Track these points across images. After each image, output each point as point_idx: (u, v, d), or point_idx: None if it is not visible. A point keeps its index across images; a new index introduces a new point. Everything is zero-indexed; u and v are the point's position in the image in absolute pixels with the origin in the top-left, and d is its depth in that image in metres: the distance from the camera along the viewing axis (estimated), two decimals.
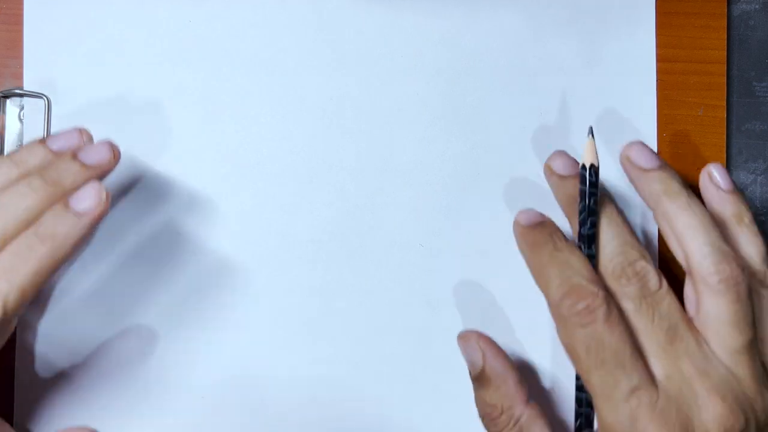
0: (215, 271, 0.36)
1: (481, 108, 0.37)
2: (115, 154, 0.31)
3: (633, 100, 0.37)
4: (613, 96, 0.37)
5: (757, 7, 0.38)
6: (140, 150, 0.36)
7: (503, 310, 0.37)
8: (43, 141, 0.31)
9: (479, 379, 0.32)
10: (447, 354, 0.36)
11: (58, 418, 0.35)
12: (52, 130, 0.36)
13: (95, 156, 0.30)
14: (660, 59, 0.37)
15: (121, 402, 0.35)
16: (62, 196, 0.29)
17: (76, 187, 0.29)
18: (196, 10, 0.37)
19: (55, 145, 0.31)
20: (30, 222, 0.28)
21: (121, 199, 0.36)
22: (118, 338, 0.36)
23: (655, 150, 0.37)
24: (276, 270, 0.36)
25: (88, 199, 0.28)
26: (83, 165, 0.30)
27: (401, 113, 0.37)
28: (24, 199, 0.28)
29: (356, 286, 0.36)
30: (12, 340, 0.35)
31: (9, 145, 0.36)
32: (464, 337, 0.33)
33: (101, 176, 0.30)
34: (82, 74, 0.36)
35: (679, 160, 0.37)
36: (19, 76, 0.36)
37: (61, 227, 0.28)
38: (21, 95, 0.36)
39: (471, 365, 0.32)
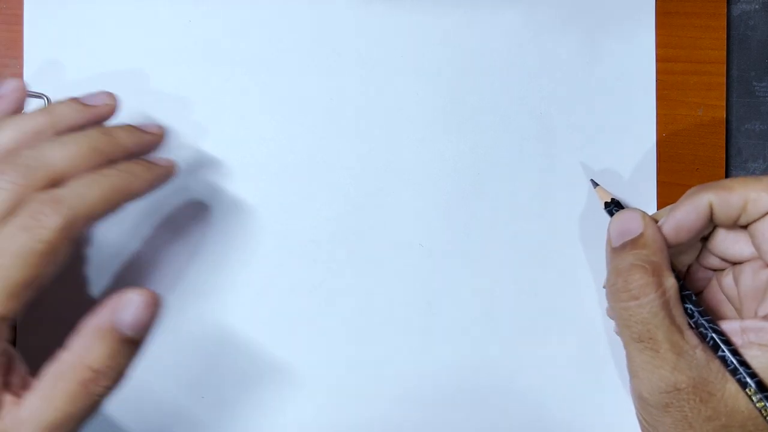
0: (215, 271, 0.36)
1: (481, 108, 0.37)
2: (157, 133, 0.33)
3: (633, 100, 0.37)
4: (613, 96, 0.37)
5: (757, 7, 0.38)
6: None
7: (503, 310, 0.37)
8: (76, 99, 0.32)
9: (634, 241, 0.30)
10: (447, 354, 0.36)
11: None
12: None
13: (148, 126, 0.32)
14: (660, 59, 0.37)
15: (121, 403, 0.35)
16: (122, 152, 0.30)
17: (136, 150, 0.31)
18: (196, 10, 0.37)
19: (84, 98, 0.32)
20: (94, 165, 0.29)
21: None
22: None
23: (654, 150, 0.37)
24: (276, 270, 0.36)
25: (165, 159, 0.31)
26: (136, 129, 0.31)
27: (401, 113, 0.37)
28: (88, 141, 0.29)
29: (356, 286, 0.36)
30: (12, 341, 0.35)
31: None
32: (623, 212, 0.32)
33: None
34: (82, 74, 0.36)
35: (679, 160, 0.37)
36: (19, 76, 0.36)
37: (137, 168, 0.29)
38: None
39: (624, 233, 0.31)
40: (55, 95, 0.36)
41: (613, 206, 0.34)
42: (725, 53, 0.38)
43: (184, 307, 0.36)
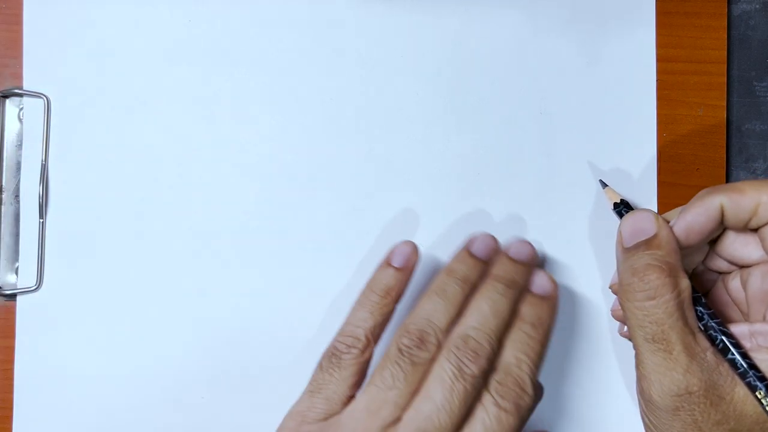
0: (215, 271, 0.36)
1: (481, 108, 0.37)
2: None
3: (633, 100, 0.37)
4: (613, 96, 0.37)
5: (757, 7, 0.38)
6: (140, 150, 0.36)
7: None
8: (468, 250, 0.33)
9: (648, 242, 0.30)
10: None
11: (59, 418, 0.35)
12: (52, 129, 0.36)
13: (522, 252, 0.33)
14: (660, 59, 0.37)
15: (122, 403, 0.35)
16: (520, 293, 0.32)
17: (526, 283, 0.32)
18: (196, 9, 0.37)
19: (475, 249, 0.33)
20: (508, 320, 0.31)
21: (121, 201, 0.36)
22: (119, 339, 0.36)
23: (655, 150, 0.37)
24: (276, 269, 0.36)
25: (546, 283, 0.32)
26: (516, 261, 0.33)
27: (401, 113, 0.37)
28: (503, 299, 0.31)
29: (356, 286, 0.36)
30: (11, 339, 0.35)
31: (8, 145, 0.36)
32: (635, 212, 0.32)
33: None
34: (82, 74, 0.36)
35: (679, 160, 0.37)
36: (19, 76, 0.36)
37: (543, 313, 0.31)
38: (21, 95, 0.36)
39: (637, 233, 0.31)
40: (55, 95, 0.36)
41: (623, 207, 0.34)
42: (726, 53, 0.38)
43: (184, 306, 0.36)
